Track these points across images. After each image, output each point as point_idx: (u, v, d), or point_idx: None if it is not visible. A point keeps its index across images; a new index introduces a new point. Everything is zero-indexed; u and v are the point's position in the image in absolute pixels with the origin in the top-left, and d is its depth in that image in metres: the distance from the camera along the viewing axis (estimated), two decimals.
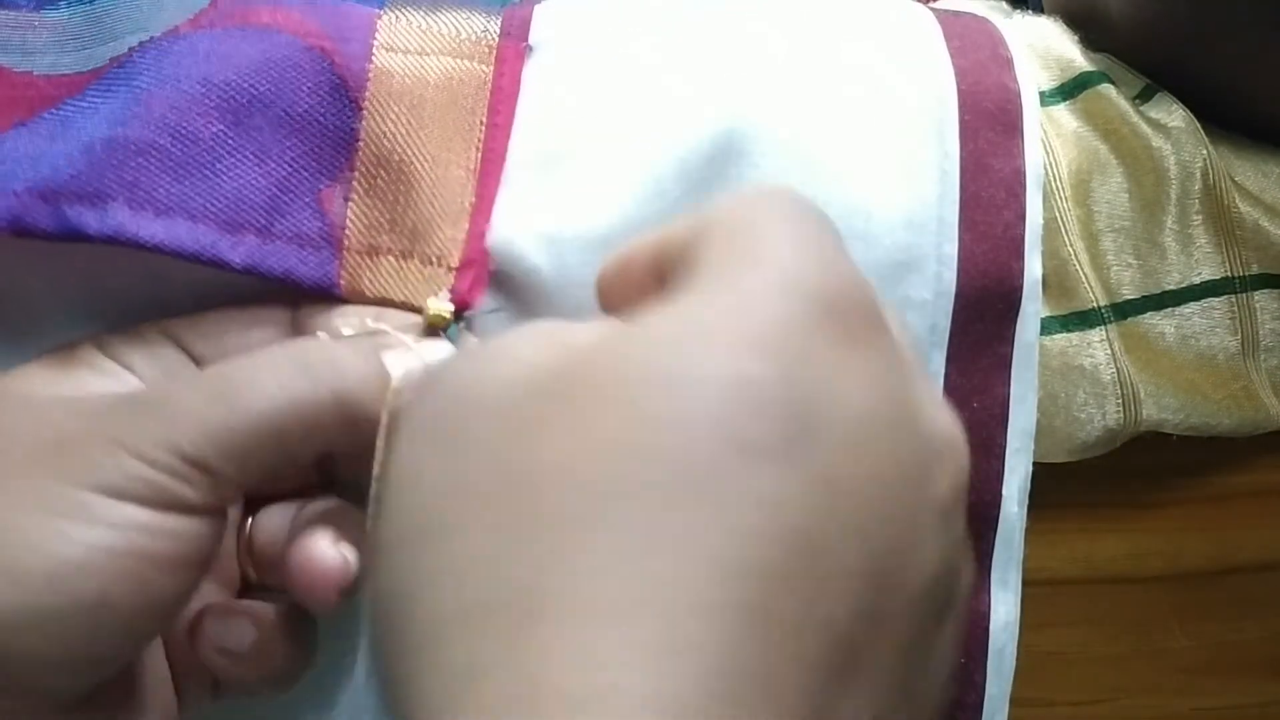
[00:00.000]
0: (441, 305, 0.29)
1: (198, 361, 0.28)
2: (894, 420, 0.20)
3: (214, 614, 0.27)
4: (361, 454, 0.25)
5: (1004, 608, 0.33)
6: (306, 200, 0.29)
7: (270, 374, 0.25)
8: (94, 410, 0.25)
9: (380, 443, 0.25)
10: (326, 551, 0.26)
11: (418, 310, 0.29)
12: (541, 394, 0.20)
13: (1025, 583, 0.33)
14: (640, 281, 0.24)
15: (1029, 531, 0.33)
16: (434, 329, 0.29)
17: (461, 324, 0.29)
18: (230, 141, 0.29)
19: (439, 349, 0.28)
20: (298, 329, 0.29)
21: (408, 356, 0.27)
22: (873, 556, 0.19)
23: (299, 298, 0.30)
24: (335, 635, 0.30)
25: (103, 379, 0.27)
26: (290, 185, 0.29)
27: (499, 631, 0.17)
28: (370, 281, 0.30)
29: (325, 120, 0.30)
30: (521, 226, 0.30)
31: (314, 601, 0.26)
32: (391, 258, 0.30)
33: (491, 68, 0.31)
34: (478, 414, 0.20)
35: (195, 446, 0.24)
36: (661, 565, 0.17)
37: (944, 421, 0.21)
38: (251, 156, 0.29)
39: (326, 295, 0.29)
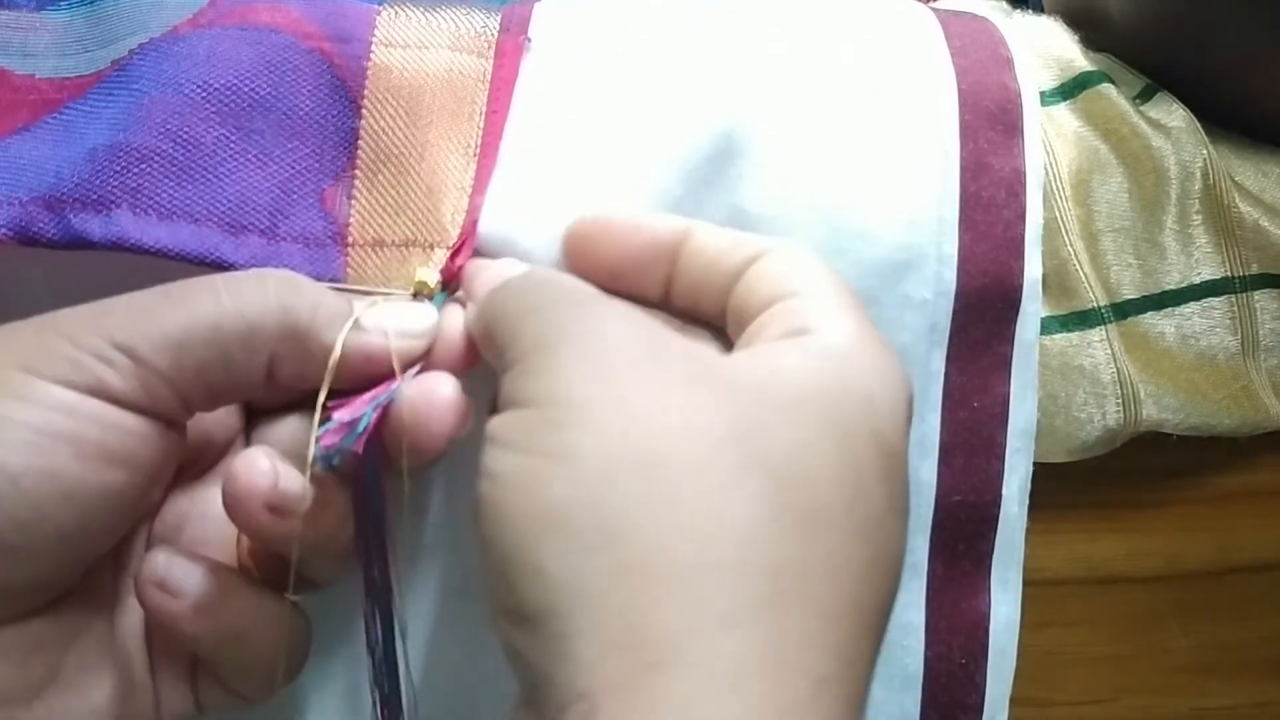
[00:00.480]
0: (428, 274, 0.29)
1: None
2: None
3: (165, 551, 0.26)
4: (312, 377, 0.26)
5: (1004, 608, 0.33)
6: (310, 201, 0.30)
7: (222, 280, 0.25)
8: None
9: (329, 374, 0.26)
10: (257, 459, 0.25)
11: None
12: (786, 392, 0.23)
13: (1025, 583, 0.33)
14: (646, 256, 0.27)
15: (1029, 531, 0.33)
16: (419, 295, 0.29)
17: (447, 293, 0.29)
18: (232, 145, 0.29)
19: (421, 311, 0.28)
20: None
21: (381, 306, 0.27)
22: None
23: None
24: (325, 652, 0.30)
25: None
26: (293, 186, 0.29)
27: (753, 592, 0.21)
28: (375, 273, 0.30)
29: (326, 121, 0.30)
30: (522, 223, 0.30)
31: (240, 514, 0.25)
32: (395, 248, 0.30)
33: (491, 61, 0.31)
34: (735, 386, 0.23)
35: (126, 333, 0.24)
36: (837, 588, 0.22)
37: None
38: (254, 159, 0.29)
39: None
